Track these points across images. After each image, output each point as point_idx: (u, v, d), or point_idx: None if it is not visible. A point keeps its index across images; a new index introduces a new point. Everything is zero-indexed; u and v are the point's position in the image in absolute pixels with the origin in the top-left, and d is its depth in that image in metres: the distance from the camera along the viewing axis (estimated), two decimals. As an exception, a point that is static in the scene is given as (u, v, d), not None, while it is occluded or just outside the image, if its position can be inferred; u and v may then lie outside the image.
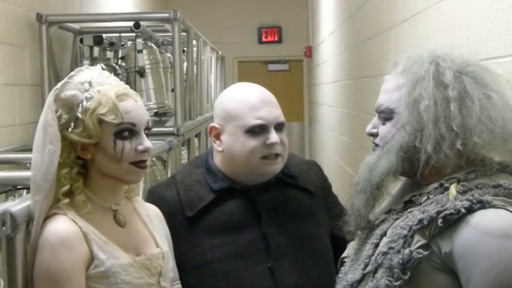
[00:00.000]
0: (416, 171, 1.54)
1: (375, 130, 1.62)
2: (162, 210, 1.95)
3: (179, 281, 1.95)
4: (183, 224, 2.01)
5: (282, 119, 2.00)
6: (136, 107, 1.70)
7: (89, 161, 1.71)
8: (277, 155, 1.99)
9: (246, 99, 1.99)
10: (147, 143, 1.71)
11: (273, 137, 1.96)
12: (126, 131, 1.68)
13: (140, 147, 1.69)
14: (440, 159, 1.50)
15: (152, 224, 1.84)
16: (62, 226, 1.61)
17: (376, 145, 1.62)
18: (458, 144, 1.49)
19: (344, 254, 1.76)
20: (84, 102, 1.67)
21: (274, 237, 1.99)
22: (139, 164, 1.71)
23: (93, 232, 1.65)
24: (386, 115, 1.59)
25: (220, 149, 2.03)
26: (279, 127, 1.99)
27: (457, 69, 1.54)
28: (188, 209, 2.01)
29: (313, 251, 2.03)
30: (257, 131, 1.96)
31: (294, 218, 2.04)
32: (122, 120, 1.67)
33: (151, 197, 2.07)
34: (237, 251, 1.97)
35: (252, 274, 1.96)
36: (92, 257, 1.63)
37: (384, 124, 1.60)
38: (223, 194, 2.02)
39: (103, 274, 1.63)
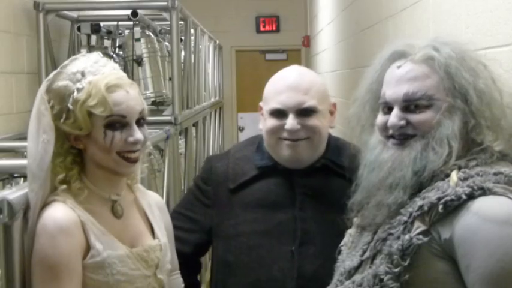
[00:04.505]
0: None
1: (403, 122, 1.56)
2: (211, 179, 2.13)
3: (179, 271, 1.95)
4: (226, 194, 2.09)
5: (307, 105, 2.00)
6: (128, 98, 1.67)
7: (83, 151, 1.70)
8: (298, 139, 2.01)
9: (276, 83, 2.06)
10: (138, 134, 1.68)
11: (289, 122, 2.00)
12: (117, 123, 1.66)
13: (130, 139, 1.67)
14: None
15: (153, 214, 1.84)
16: (61, 213, 1.61)
17: (405, 137, 1.55)
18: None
19: (341, 243, 1.76)
20: (75, 93, 1.64)
21: (304, 222, 2.02)
22: (128, 156, 1.68)
23: (91, 222, 1.65)
24: (425, 102, 1.53)
25: (260, 127, 2.11)
26: (304, 113, 2.00)
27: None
28: (231, 182, 2.10)
29: None
30: (277, 114, 2.01)
31: (332, 207, 1.99)
32: (111, 112, 1.64)
33: (206, 165, 2.23)
34: (266, 229, 2.02)
35: (275, 254, 1.99)
36: (88, 247, 1.62)
37: (418, 113, 1.54)
38: (266, 173, 2.08)
39: (99, 264, 1.63)
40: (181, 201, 2.36)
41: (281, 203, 2.04)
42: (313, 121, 2.01)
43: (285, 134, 2.01)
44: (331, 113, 2.12)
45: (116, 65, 1.77)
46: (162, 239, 1.81)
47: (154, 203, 1.88)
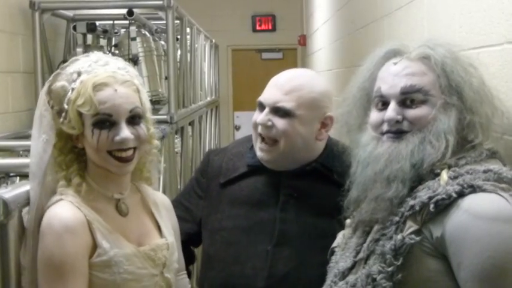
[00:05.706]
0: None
1: (399, 117, 1.57)
2: (207, 172, 2.18)
3: (185, 272, 1.96)
4: (216, 188, 2.12)
5: (280, 104, 2.00)
6: (115, 96, 1.64)
7: (84, 150, 1.71)
8: (273, 142, 2.01)
9: (272, 79, 2.09)
10: (125, 133, 1.66)
11: (260, 116, 2.02)
12: (105, 121, 1.65)
13: (117, 138, 1.65)
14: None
15: (159, 214, 1.84)
16: (67, 212, 1.61)
17: (401, 132, 1.56)
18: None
19: (334, 244, 1.76)
20: (69, 94, 1.65)
21: (284, 223, 2.01)
22: (119, 155, 1.67)
23: (98, 220, 1.65)
24: (421, 96, 1.55)
25: None
26: (277, 111, 2.00)
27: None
28: (222, 176, 2.13)
29: (323, 248, 1.91)
30: (259, 107, 2.04)
31: (316, 212, 2.02)
32: (96, 111, 1.63)
33: (205, 157, 2.27)
34: (246, 226, 2.03)
35: (251, 252, 2.00)
36: (95, 245, 1.62)
37: (414, 108, 1.56)
38: (256, 171, 2.09)
39: (106, 263, 1.63)
40: (182, 190, 2.42)
41: (265, 202, 2.04)
42: (283, 123, 1.99)
43: (259, 129, 2.03)
44: (324, 125, 2.07)
45: (122, 64, 1.74)
46: (169, 238, 1.80)
47: (161, 203, 1.88)
